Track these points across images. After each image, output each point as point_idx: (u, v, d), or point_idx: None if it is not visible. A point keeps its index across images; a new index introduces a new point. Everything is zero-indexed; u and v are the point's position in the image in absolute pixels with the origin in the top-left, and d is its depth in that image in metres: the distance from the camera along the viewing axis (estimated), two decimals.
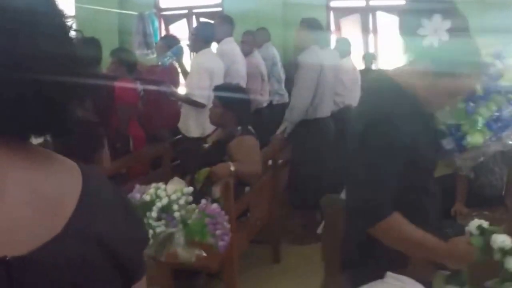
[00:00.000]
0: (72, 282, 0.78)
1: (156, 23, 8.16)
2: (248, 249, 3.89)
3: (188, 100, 4.45)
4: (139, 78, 5.26)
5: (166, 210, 1.78)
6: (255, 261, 4.09)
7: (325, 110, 4.61)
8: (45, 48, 0.77)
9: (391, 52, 7.57)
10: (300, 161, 4.53)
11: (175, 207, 1.78)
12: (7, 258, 0.72)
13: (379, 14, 7.64)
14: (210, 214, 1.80)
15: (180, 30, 8.14)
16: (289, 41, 6.00)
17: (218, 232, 1.78)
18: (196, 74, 4.41)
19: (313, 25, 4.57)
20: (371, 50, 7.60)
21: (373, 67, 7.12)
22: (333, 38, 6.67)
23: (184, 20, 8.64)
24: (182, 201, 1.81)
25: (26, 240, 0.74)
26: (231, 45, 5.02)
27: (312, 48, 4.51)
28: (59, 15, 0.82)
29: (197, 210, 1.81)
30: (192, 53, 5.05)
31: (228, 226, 1.83)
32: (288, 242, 4.41)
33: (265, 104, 5.67)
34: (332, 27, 7.74)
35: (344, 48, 5.97)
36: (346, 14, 7.87)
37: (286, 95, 5.99)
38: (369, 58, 7.14)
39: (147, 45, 7.24)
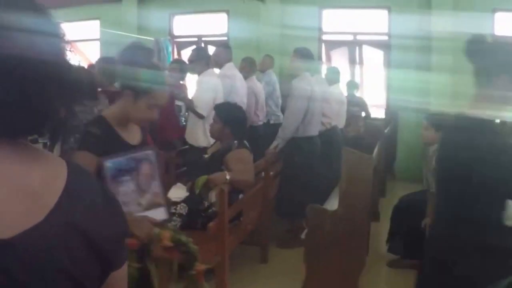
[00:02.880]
0: (51, 266, 0.77)
1: (170, 48, 8.23)
2: (239, 250, 3.87)
3: (191, 108, 4.43)
4: None
5: None
6: (245, 261, 4.06)
7: (314, 129, 4.61)
8: (39, 65, 0.76)
9: (373, 81, 7.61)
10: (290, 174, 4.53)
11: None
12: None
13: (364, 47, 7.69)
14: None
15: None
16: (285, 69, 6.01)
17: None
18: (201, 90, 4.40)
19: (305, 54, 4.56)
20: (357, 79, 7.59)
21: (356, 93, 7.11)
22: (324, 67, 6.68)
23: (195, 46, 8.66)
24: None
25: (10, 227, 0.74)
26: (232, 70, 4.98)
27: (303, 75, 4.52)
28: (58, 36, 0.82)
29: None
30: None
31: None
32: (275, 245, 4.39)
33: (261, 123, 5.64)
34: (324, 57, 7.77)
35: (333, 76, 5.92)
36: (336, 46, 7.91)
37: (282, 116, 5.96)
38: (351, 85, 7.10)
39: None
